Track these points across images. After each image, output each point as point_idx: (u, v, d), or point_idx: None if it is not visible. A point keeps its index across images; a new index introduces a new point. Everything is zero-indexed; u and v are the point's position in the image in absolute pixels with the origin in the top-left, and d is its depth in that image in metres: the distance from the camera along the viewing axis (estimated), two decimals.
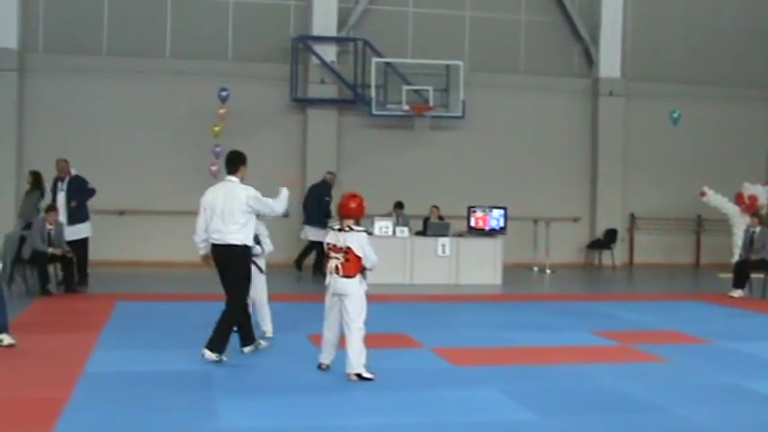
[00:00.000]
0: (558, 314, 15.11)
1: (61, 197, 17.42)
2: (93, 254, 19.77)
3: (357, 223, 9.78)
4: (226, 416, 8.04)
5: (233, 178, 10.63)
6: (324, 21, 23.44)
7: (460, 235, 20.14)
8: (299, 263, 20.63)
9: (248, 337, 10.94)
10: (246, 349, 10.82)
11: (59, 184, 17.59)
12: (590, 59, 25.53)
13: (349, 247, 9.60)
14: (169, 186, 22.74)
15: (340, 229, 9.73)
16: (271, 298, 12.26)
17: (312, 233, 20.28)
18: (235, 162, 10.69)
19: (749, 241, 18.85)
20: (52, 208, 16.86)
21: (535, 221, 23.77)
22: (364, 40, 23.47)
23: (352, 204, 9.80)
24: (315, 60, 23.42)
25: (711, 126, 25.84)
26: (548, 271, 22.93)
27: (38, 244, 16.35)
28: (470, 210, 20.67)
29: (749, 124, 26.04)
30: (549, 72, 25.22)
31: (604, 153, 25.29)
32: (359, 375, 9.44)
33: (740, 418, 8.29)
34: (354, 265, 9.62)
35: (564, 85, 25.29)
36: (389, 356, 10.26)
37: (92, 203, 18.11)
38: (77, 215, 17.39)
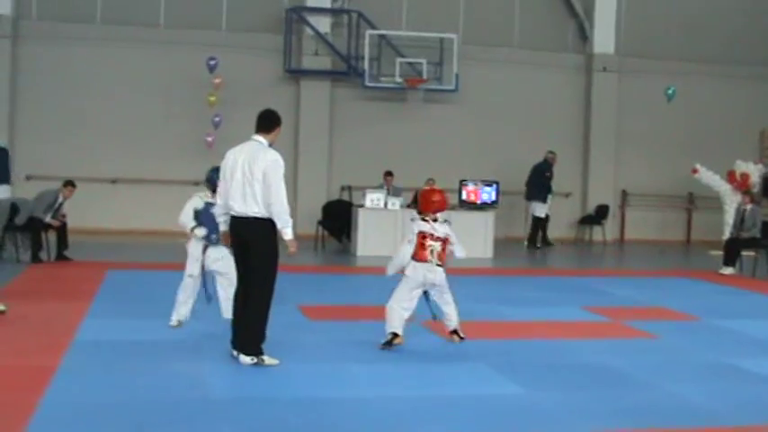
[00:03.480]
0: (548, 289, 15.15)
1: None
2: (85, 222, 19.84)
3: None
4: (215, 386, 8.07)
5: (261, 138, 8.93)
6: None
7: (452, 208, 20.12)
8: (532, 240, 22.75)
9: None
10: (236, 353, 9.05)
11: None
12: (584, 35, 25.49)
13: (447, 236, 9.84)
14: (162, 156, 22.74)
15: (434, 220, 9.90)
16: None
17: (539, 209, 22.80)
18: (269, 121, 9.06)
19: (740, 219, 18.90)
20: (71, 183, 16.90)
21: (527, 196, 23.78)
22: (358, 11, 23.40)
23: (437, 198, 9.99)
24: (309, 32, 23.37)
25: (704, 104, 25.84)
26: (539, 246, 22.95)
27: (38, 212, 16.36)
28: (462, 183, 20.66)
29: (742, 102, 26.03)
30: (542, 47, 25.18)
31: (597, 129, 25.30)
32: (457, 333, 10.13)
33: (727, 395, 8.32)
34: (444, 254, 9.87)
35: (558, 61, 25.26)
36: (380, 330, 10.27)
37: (84, 172, 18.06)
38: None
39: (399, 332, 9.67)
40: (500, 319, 12.09)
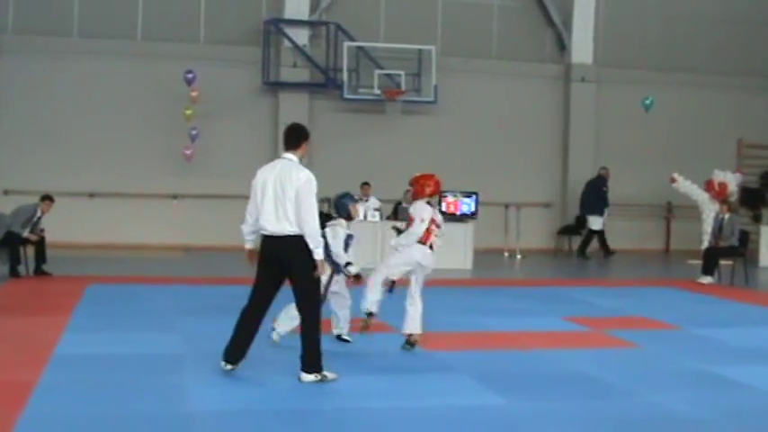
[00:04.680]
0: (528, 299, 15.16)
1: None
2: (64, 236, 19.77)
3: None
4: (197, 400, 8.02)
5: (291, 156, 8.86)
6: (296, 4, 23.37)
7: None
8: (582, 250, 23.52)
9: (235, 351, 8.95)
10: (229, 367, 8.89)
11: None
12: (562, 45, 25.58)
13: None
14: (140, 169, 22.68)
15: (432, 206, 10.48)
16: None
17: (596, 222, 23.65)
18: (296, 136, 9.00)
19: (718, 228, 18.96)
20: (49, 197, 16.83)
21: (506, 206, 23.82)
22: (336, 23, 23.41)
23: (435, 180, 10.55)
24: (287, 44, 23.36)
25: (682, 113, 25.95)
26: (518, 256, 22.98)
27: (16, 227, 16.28)
28: (441, 195, 20.65)
29: (720, 112, 26.16)
30: (521, 57, 25.25)
31: (576, 139, 25.37)
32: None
33: (708, 404, 8.35)
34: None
35: (536, 71, 25.33)
36: (360, 340, 10.25)
37: (62, 186, 18.00)
38: None
39: (374, 310, 10.27)
40: (481, 330, 12.07)
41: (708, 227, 21.19)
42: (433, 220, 10.25)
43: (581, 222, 24.71)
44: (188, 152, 21.62)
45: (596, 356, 10.30)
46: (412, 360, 9.88)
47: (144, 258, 20.55)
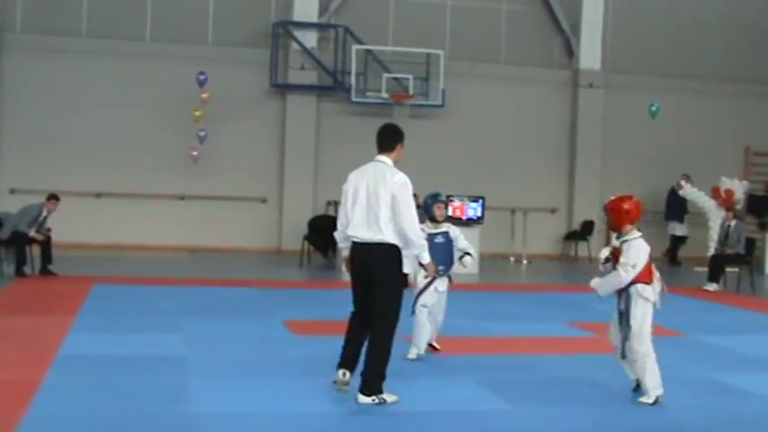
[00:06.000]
0: (534, 305, 15.15)
1: None
2: (70, 236, 19.79)
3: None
4: (199, 401, 8.02)
5: (384, 158, 8.38)
6: (305, 7, 23.35)
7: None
8: (673, 259, 24.08)
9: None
10: (345, 373, 8.35)
11: None
12: (570, 51, 25.54)
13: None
14: (147, 170, 22.68)
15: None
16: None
17: (679, 228, 24.26)
18: (391, 138, 8.51)
19: (724, 235, 18.94)
20: (54, 196, 16.85)
21: (513, 212, 23.83)
22: (345, 26, 23.41)
23: (628, 206, 8.62)
24: (295, 46, 23.35)
25: (690, 120, 25.89)
26: (524, 261, 22.96)
27: (22, 226, 16.30)
28: (448, 199, 20.62)
29: (727, 119, 26.10)
30: (529, 63, 25.21)
31: (583, 145, 25.34)
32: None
33: (713, 411, 8.33)
34: None
35: (544, 77, 25.30)
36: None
37: (69, 186, 18.04)
38: None
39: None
40: (486, 335, 12.08)
41: (714, 234, 21.17)
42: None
43: (588, 228, 24.69)
44: (195, 153, 21.61)
45: (601, 363, 10.25)
46: (417, 365, 9.87)
47: (150, 259, 20.58)
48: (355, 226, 8.18)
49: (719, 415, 8.22)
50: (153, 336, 10.85)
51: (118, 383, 8.50)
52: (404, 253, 8.20)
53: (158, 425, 7.30)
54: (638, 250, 8.44)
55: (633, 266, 8.37)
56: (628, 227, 8.56)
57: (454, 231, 10.38)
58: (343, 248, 8.51)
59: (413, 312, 9.98)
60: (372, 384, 8.02)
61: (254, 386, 8.59)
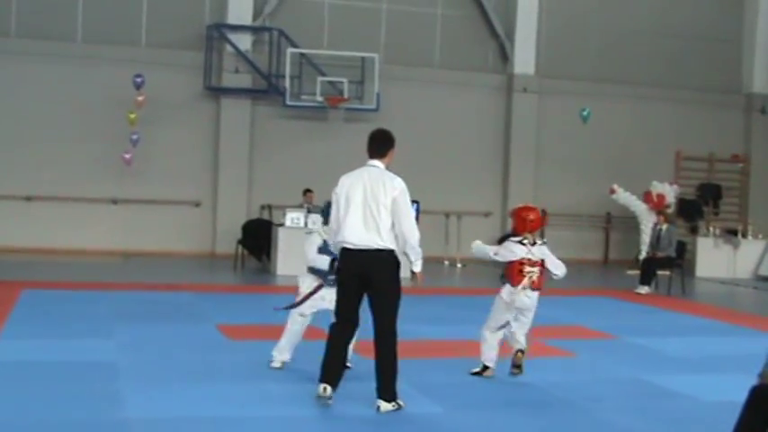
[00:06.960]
0: (467, 308, 15.14)
1: None
2: None
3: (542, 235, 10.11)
4: (133, 406, 7.94)
5: (377, 163, 8.54)
6: (239, 9, 23.27)
7: None
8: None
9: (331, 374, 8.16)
10: (328, 389, 8.07)
11: None
12: (505, 56, 25.72)
13: (543, 260, 9.72)
14: (79, 173, 22.41)
15: (533, 243, 9.76)
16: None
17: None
18: (383, 143, 8.67)
19: (656, 239, 19.21)
20: None
21: (447, 215, 23.88)
22: (280, 29, 23.35)
23: (533, 216, 9.82)
24: (229, 49, 23.24)
25: (622, 125, 26.21)
26: (459, 265, 23.05)
27: None
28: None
29: (658, 124, 26.45)
30: (463, 67, 25.35)
31: (517, 149, 25.51)
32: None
33: (643, 412, 8.42)
34: (542, 278, 9.81)
35: (478, 81, 25.45)
36: (300, 349, 10.20)
37: None
38: None
39: (490, 365, 9.73)
40: (419, 338, 12.07)
41: (646, 237, 21.46)
42: (523, 262, 9.73)
43: None
44: (127, 156, 21.40)
45: (534, 365, 10.31)
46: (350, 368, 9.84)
47: (82, 264, 20.32)
48: (351, 231, 8.06)
49: (651, 416, 8.31)
50: (84, 341, 10.71)
51: (48, 390, 8.37)
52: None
53: (92, 430, 7.22)
54: (506, 248, 10.01)
55: (495, 254, 10.05)
56: (528, 234, 9.80)
57: None
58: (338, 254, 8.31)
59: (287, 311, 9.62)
60: (393, 390, 8.04)
61: (187, 391, 8.52)
